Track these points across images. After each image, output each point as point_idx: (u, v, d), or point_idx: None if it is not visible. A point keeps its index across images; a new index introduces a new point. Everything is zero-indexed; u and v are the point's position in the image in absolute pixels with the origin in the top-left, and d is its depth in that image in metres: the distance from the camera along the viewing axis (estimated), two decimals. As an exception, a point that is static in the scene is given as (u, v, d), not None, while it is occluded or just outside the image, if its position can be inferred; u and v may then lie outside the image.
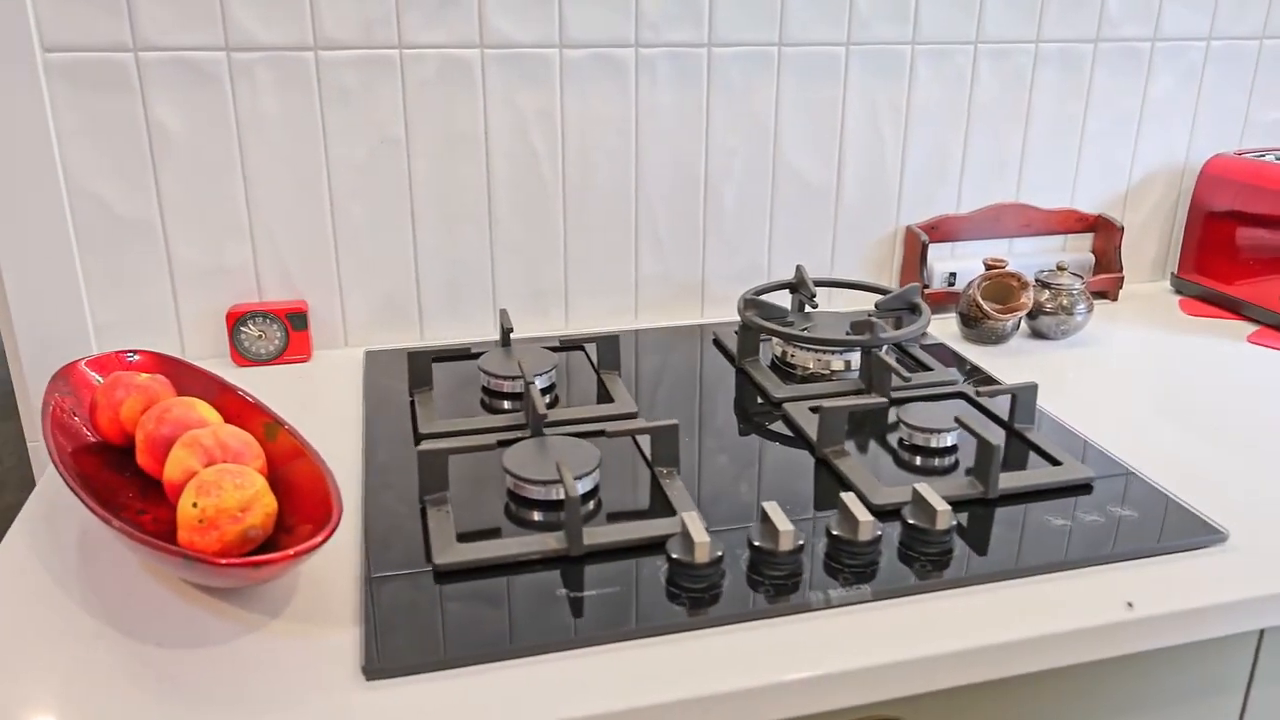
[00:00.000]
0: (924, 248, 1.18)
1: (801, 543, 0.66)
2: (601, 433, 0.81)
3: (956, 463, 0.82)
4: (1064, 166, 1.25)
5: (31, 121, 0.91)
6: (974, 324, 1.10)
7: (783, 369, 1.01)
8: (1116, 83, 1.22)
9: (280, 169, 1.00)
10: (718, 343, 1.09)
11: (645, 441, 0.83)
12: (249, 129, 0.98)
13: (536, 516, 0.73)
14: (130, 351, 0.85)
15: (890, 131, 1.17)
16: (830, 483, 0.79)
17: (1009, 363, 1.06)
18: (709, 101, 1.09)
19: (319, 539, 0.59)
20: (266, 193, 1.01)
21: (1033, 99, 1.20)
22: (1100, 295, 1.27)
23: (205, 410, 0.75)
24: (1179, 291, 1.31)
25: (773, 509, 0.67)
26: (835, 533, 0.68)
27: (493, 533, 0.71)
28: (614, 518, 0.73)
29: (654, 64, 1.06)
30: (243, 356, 1.03)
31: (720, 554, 0.64)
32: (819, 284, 1.10)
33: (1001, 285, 1.11)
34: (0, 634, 0.60)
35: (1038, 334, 1.14)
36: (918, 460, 0.82)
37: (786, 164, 1.14)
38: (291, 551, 0.58)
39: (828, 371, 0.99)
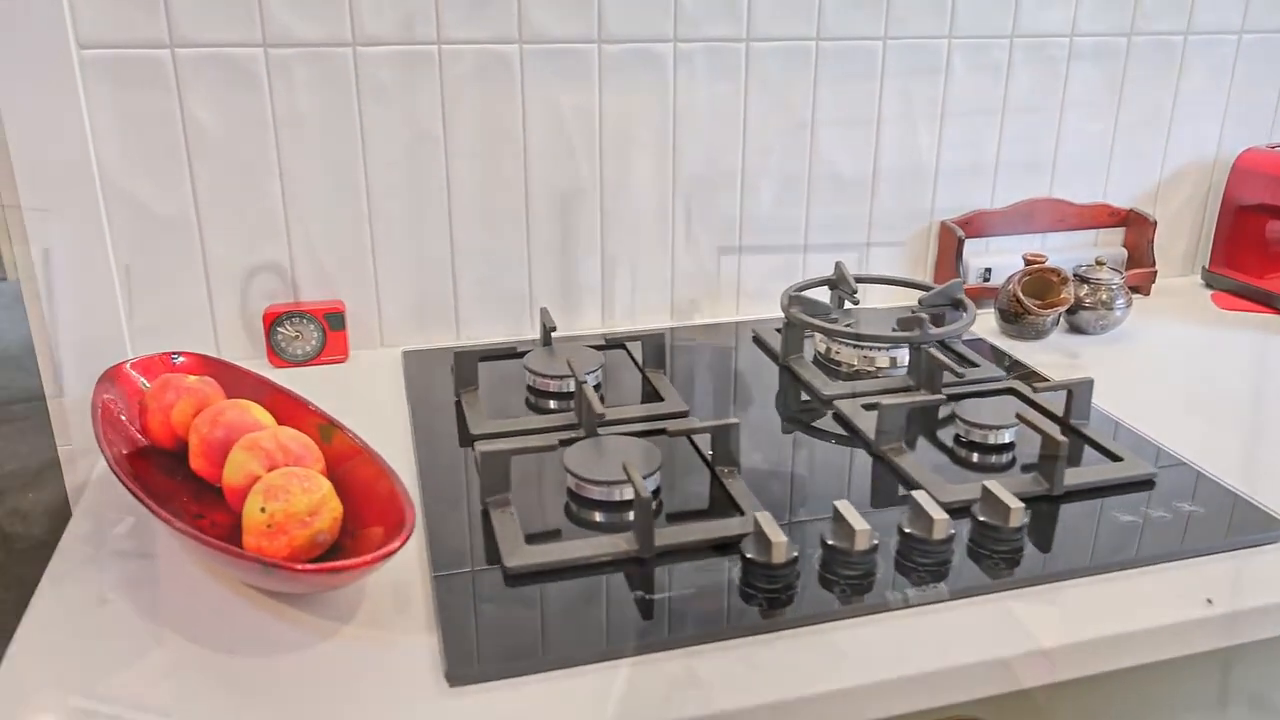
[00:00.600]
0: (960, 243, 1.17)
1: (876, 542, 0.65)
2: (662, 431, 0.80)
3: (1014, 459, 0.81)
4: (1096, 161, 1.25)
5: (67, 119, 0.90)
6: (1014, 319, 1.09)
7: (827, 366, 1.00)
8: (1149, 76, 1.22)
9: (317, 167, 0.99)
10: (758, 340, 1.08)
11: (700, 439, 0.82)
12: (286, 126, 0.97)
13: (598, 517, 0.72)
14: (175, 353, 0.84)
15: (925, 126, 1.16)
16: (890, 480, 0.78)
17: (1049, 358, 1.06)
18: (747, 97, 1.08)
19: (397, 544, 0.58)
20: (303, 191, 0.99)
21: (1067, 93, 1.20)
22: (1133, 290, 1.26)
23: (259, 413, 0.74)
24: (1210, 286, 1.31)
25: (845, 507, 0.66)
26: (908, 531, 0.67)
27: (555, 534, 0.70)
28: (677, 518, 0.72)
29: (692, 59, 1.05)
30: (280, 357, 1.02)
31: (796, 554, 0.63)
32: (859, 280, 1.09)
33: (1041, 280, 1.10)
34: (65, 645, 0.58)
35: (1075, 329, 1.13)
36: (975, 457, 0.82)
37: (822, 159, 1.14)
38: (369, 557, 0.57)
39: (873, 368, 0.98)
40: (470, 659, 0.56)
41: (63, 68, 0.88)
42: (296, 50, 0.95)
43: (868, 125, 1.14)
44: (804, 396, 0.94)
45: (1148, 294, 1.27)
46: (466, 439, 0.84)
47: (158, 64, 0.92)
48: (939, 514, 0.65)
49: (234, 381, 0.82)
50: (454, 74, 0.99)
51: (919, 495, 0.68)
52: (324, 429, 0.75)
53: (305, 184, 0.99)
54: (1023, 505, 0.67)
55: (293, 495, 0.62)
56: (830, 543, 0.65)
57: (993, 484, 0.69)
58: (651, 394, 0.92)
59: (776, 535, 0.62)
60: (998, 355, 1.05)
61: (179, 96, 0.93)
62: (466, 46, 0.99)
